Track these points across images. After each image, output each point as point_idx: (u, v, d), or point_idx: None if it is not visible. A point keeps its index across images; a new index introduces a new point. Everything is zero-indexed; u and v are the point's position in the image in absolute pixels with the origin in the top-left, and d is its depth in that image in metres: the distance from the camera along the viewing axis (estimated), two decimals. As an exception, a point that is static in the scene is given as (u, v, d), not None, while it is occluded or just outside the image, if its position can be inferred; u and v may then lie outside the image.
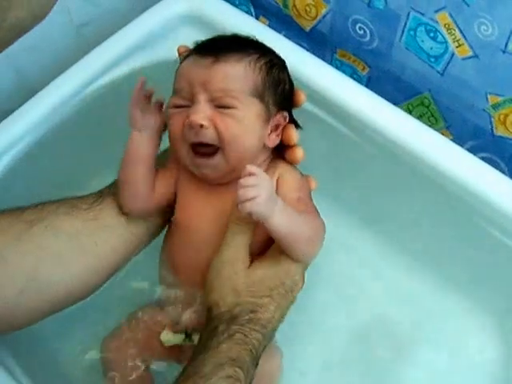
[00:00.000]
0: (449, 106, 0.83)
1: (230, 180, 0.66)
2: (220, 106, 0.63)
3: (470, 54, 0.75)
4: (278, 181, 0.67)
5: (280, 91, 0.67)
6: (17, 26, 0.36)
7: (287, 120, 0.68)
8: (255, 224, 0.64)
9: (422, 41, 0.79)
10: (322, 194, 0.72)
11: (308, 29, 0.95)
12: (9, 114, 0.86)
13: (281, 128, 0.67)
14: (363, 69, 0.91)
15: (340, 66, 0.94)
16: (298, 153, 0.68)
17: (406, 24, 0.80)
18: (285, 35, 0.99)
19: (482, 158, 0.77)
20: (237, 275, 0.63)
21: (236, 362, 0.57)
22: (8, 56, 0.96)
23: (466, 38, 0.75)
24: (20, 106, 0.87)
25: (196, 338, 0.67)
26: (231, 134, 0.62)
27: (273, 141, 0.67)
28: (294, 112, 0.71)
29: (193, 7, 0.92)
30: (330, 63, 0.95)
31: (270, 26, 1.01)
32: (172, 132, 0.66)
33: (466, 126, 0.83)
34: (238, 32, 0.84)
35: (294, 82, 0.80)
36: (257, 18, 1.03)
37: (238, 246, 0.64)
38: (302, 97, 0.70)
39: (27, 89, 1.03)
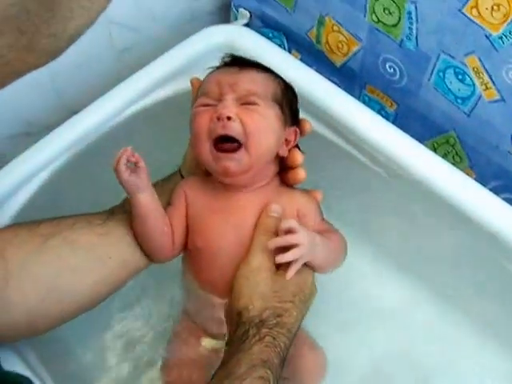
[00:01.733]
0: (473, 146, 0.85)
1: (243, 182, 0.71)
2: (245, 103, 0.69)
3: (497, 97, 0.78)
4: (297, 212, 0.73)
5: (293, 109, 0.74)
6: (75, 35, 0.39)
7: (297, 137, 0.74)
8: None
9: (451, 82, 0.82)
10: (351, 230, 0.76)
11: (339, 64, 0.98)
12: (47, 130, 0.90)
13: (291, 145, 0.73)
14: (391, 105, 0.94)
15: (368, 102, 0.97)
16: (301, 174, 0.74)
17: (435, 65, 0.83)
18: (316, 69, 1.02)
19: (505, 199, 0.79)
20: (265, 281, 0.67)
21: (267, 364, 0.61)
22: (50, 75, 1.01)
23: (493, 82, 0.77)
24: (57, 123, 0.90)
25: None
26: (256, 126, 0.68)
27: (284, 151, 0.73)
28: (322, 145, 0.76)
29: (229, 38, 0.96)
30: (359, 98, 0.98)
31: (301, 59, 1.05)
32: (197, 128, 0.70)
33: (489, 166, 0.85)
34: (271, 63, 0.89)
35: (324, 115, 0.84)
36: (289, 51, 1.06)
37: (264, 255, 0.68)
38: (307, 126, 0.76)
39: (66, 108, 1.07)
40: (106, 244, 0.73)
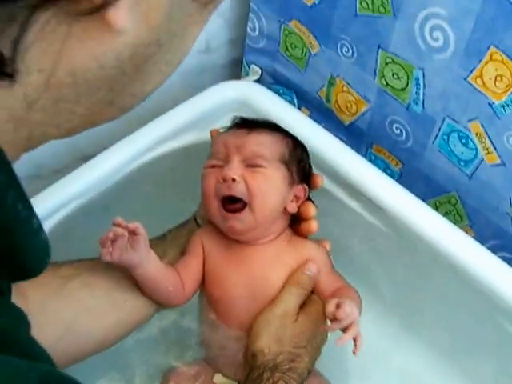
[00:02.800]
0: (474, 207, 0.89)
1: (252, 239, 0.75)
2: (251, 165, 0.73)
3: (498, 161, 0.82)
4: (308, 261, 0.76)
5: (301, 167, 0.78)
6: (147, 95, 0.42)
7: (307, 193, 0.78)
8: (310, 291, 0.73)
9: (454, 145, 0.87)
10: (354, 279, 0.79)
11: (347, 123, 1.03)
12: (56, 174, 0.92)
13: (300, 201, 0.77)
14: (396, 164, 0.99)
15: (374, 160, 1.02)
16: (314, 225, 0.78)
17: (440, 129, 0.87)
18: (324, 127, 1.07)
19: (502, 257, 0.83)
20: (284, 327, 0.70)
21: None
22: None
23: (495, 147, 0.82)
24: (67, 167, 0.93)
25: None
26: (259, 188, 0.72)
27: (292, 208, 0.76)
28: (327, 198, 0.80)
29: (240, 94, 1.00)
30: (365, 156, 1.03)
31: (310, 116, 1.10)
32: (205, 188, 0.74)
33: (488, 226, 0.89)
34: (281, 120, 0.93)
35: (331, 171, 0.88)
36: (299, 108, 1.11)
37: (291, 304, 0.72)
38: (319, 181, 0.81)
39: (76, 153, 1.10)
40: (123, 288, 0.75)
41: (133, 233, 0.67)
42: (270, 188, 0.73)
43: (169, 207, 0.94)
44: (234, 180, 0.71)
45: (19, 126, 0.36)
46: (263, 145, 0.75)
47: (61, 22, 0.32)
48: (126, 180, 0.93)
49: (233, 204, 0.72)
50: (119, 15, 0.32)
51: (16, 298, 0.65)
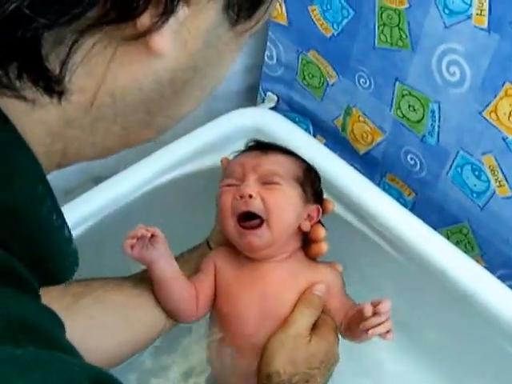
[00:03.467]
0: (485, 237, 0.91)
1: (267, 256, 0.76)
2: (267, 182, 0.75)
3: (510, 194, 0.85)
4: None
5: (315, 189, 0.81)
6: (182, 118, 0.44)
7: (320, 214, 0.80)
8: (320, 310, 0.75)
9: (467, 177, 0.89)
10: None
11: (362, 152, 1.05)
12: (66, 194, 0.94)
13: (314, 221, 0.79)
14: (409, 194, 1.01)
15: (387, 189, 1.04)
16: (323, 247, 0.80)
17: (454, 161, 0.90)
18: (339, 155, 1.09)
19: (510, 286, 0.85)
20: (298, 349, 0.72)
21: None
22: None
23: (507, 180, 0.84)
24: (77, 188, 0.94)
25: None
26: (276, 203, 0.74)
27: (306, 227, 0.78)
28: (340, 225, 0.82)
29: (256, 121, 1.03)
30: (379, 185, 1.05)
31: (326, 144, 1.12)
32: (222, 205, 0.76)
33: (499, 256, 0.90)
34: (297, 147, 0.95)
35: (345, 200, 0.90)
36: (314, 136, 1.14)
37: (304, 325, 0.74)
38: (330, 205, 0.83)
39: (87, 174, 1.12)
40: (135, 306, 0.76)
41: (152, 235, 0.72)
42: (286, 204, 0.75)
43: (182, 230, 0.95)
44: (250, 196, 0.73)
45: (56, 141, 0.38)
46: (279, 164, 0.77)
47: (106, 46, 0.34)
48: (139, 202, 0.95)
49: (249, 221, 0.74)
50: (162, 41, 0.34)
51: None
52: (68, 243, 0.43)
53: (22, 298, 0.37)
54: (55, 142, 0.38)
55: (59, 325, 0.42)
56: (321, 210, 0.80)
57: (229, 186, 0.77)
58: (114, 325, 0.75)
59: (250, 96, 1.28)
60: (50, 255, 0.41)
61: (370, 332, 0.69)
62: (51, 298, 0.71)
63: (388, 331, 0.69)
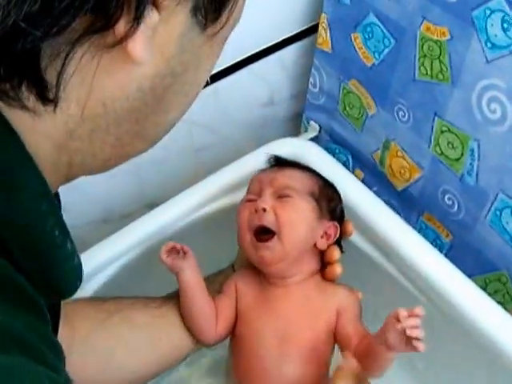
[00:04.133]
0: (525, 289, 0.85)
1: (281, 271, 0.76)
2: (281, 195, 0.76)
3: (551, 244, 0.78)
4: (338, 307, 0.76)
5: (333, 206, 0.81)
6: (170, 125, 0.46)
7: (338, 232, 0.79)
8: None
9: (507, 222, 0.83)
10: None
11: (400, 188, 1.00)
12: (124, 219, 0.95)
13: (331, 239, 0.78)
14: (447, 236, 0.95)
15: (425, 229, 0.98)
16: (337, 269, 0.79)
17: (493, 203, 0.83)
18: (377, 190, 1.04)
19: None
20: None
21: None
22: (134, 166, 1.07)
23: (548, 229, 0.77)
24: (134, 213, 0.95)
25: None
26: (288, 218, 0.74)
27: (322, 245, 0.78)
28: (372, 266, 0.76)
29: (296, 151, 1.00)
30: (416, 223, 0.99)
31: (364, 178, 1.08)
32: (239, 221, 0.78)
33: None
34: (334, 181, 0.92)
35: (377, 239, 0.86)
36: (353, 169, 1.09)
37: None
38: (349, 227, 0.82)
39: (143, 200, 1.13)
40: (159, 326, 0.79)
41: (184, 253, 0.76)
42: (298, 217, 0.76)
43: (220, 260, 0.94)
44: (264, 210, 0.74)
45: (61, 154, 0.41)
46: (294, 178, 0.79)
47: (93, 56, 0.37)
48: (187, 229, 0.95)
49: (264, 235, 0.75)
50: (138, 47, 0.36)
51: (64, 327, 0.68)
52: (70, 259, 0.44)
53: (20, 313, 0.38)
54: (61, 155, 0.41)
55: (54, 348, 0.41)
56: (338, 229, 0.80)
57: (248, 201, 0.79)
58: (139, 344, 0.77)
59: (296, 124, 1.26)
60: (50, 271, 0.42)
61: (407, 332, 0.62)
62: (87, 313, 0.76)
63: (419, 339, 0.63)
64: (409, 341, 0.63)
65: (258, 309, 0.78)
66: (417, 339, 0.62)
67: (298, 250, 0.75)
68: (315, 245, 0.77)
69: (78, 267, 0.45)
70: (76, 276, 0.45)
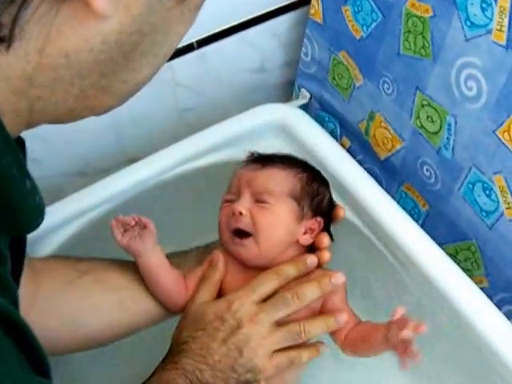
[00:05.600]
0: (491, 257, 0.88)
1: (262, 265, 0.76)
2: (260, 200, 0.75)
3: (518, 217, 0.82)
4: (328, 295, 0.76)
5: (317, 201, 0.79)
6: (140, 84, 0.47)
7: (321, 226, 0.79)
8: None
9: (478, 195, 0.86)
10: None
11: (383, 158, 1.04)
12: (102, 173, 0.98)
13: (315, 233, 0.78)
14: (424, 205, 0.99)
15: (404, 197, 1.02)
16: (325, 256, 0.78)
17: (466, 177, 0.87)
18: (361, 159, 1.08)
19: (510, 311, 0.83)
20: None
21: None
22: (115, 123, 1.10)
23: (516, 203, 0.81)
24: (113, 168, 0.98)
25: None
26: (264, 223, 0.74)
27: (306, 240, 0.77)
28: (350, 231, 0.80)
29: (284, 118, 1.03)
30: (396, 192, 1.03)
31: (351, 147, 1.11)
32: (220, 221, 0.78)
33: (502, 278, 0.88)
34: (316, 149, 0.95)
35: (357, 206, 0.89)
36: (340, 137, 1.13)
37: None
38: (340, 212, 0.82)
39: (123, 155, 1.16)
40: (133, 290, 0.78)
41: (144, 226, 0.74)
42: (274, 224, 0.75)
43: (196, 218, 0.97)
44: (241, 213, 0.74)
45: (21, 99, 0.42)
46: (273, 180, 0.77)
47: (52, 5, 0.38)
48: (162, 186, 0.97)
49: (240, 236, 0.75)
50: (101, 2, 0.38)
51: (29, 281, 0.70)
52: (29, 196, 0.46)
53: None
54: (20, 100, 0.42)
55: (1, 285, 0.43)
56: (322, 222, 0.79)
57: (227, 201, 0.78)
58: (108, 305, 0.77)
59: (287, 91, 1.29)
60: (8, 205, 0.43)
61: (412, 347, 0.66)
62: (58, 271, 0.76)
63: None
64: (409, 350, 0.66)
65: (234, 286, 0.76)
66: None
67: (275, 250, 0.76)
68: (298, 241, 0.77)
69: (39, 206, 0.47)
70: (36, 214, 0.47)
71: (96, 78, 0.43)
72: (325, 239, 0.79)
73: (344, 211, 0.83)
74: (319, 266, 0.79)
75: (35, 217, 0.47)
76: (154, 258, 0.75)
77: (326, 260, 0.79)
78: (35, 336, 0.43)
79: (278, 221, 0.75)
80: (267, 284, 0.73)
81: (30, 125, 0.46)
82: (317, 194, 0.79)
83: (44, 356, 0.45)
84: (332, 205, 0.83)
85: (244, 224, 0.74)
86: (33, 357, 0.43)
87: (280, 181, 0.77)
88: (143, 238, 0.74)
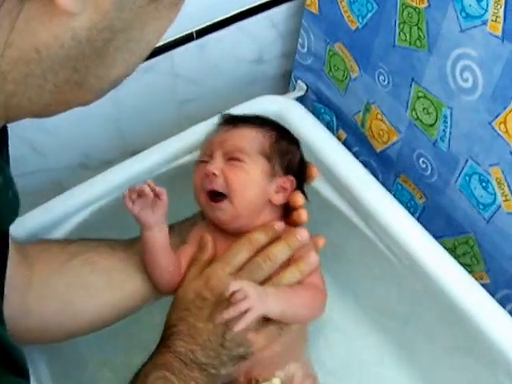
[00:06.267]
0: (490, 252, 0.88)
1: (240, 227, 0.78)
2: (231, 159, 0.77)
3: (515, 210, 0.81)
4: (293, 253, 0.77)
5: (287, 159, 0.81)
6: (115, 81, 0.47)
7: (294, 185, 0.81)
8: None
9: (475, 188, 0.85)
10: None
11: (378, 150, 1.03)
12: (104, 165, 0.97)
13: (288, 192, 0.80)
14: (420, 198, 0.98)
15: (400, 190, 1.01)
16: (303, 214, 0.81)
17: (463, 169, 0.86)
18: (357, 151, 1.07)
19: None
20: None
21: None
22: (116, 115, 1.09)
23: (513, 196, 0.80)
24: (114, 160, 0.97)
25: None
26: (237, 181, 0.76)
27: (278, 199, 0.79)
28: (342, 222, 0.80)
29: (280, 110, 1.01)
30: (392, 184, 1.02)
31: (346, 139, 1.10)
32: (194, 183, 0.80)
33: (503, 274, 0.87)
34: (312, 141, 0.94)
35: (352, 199, 0.88)
36: (337, 129, 1.12)
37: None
38: (313, 171, 0.84)
39: (125, 147, 1.16)
40: (123, 270, 0.79)
41: (157, 197, 0.73)
42: (247, 182, 0.77)
43: (197, 209, 0.97)
44: (214, 174, 0.76)
45: None
46: (244, 139, 0.79)
47: (20, 2, 0.38)
48: (163, 177, 0.96)
49: (215, 197, 0.77)
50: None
51: (22, 267, 0.70)
52: (2, 191, 0.46)
53: None
54: None
55: None
56: (294, 181, 0.81)
57: (200, 163, 0.80)
58: (100, 287, 0.78)
59: (285, 83, 1.28)
60: None
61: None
62: (50, 254, 0.77)
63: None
64: None
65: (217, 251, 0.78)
66: None
67: (251, 209, 0.77)
68: (270, 201, 0.79)
69: (12, 201, 0.47)
70: (7, 210, 0.47)
71: (69, 73, 0.43)
72: (298, 198, 0.81)
73: (316, 170, 0.85)
74: (298, 225, 0.81)
75: (6, 213, 0.47)
76: (161, 235, 0.76)
77: (303, 219, 0.81)
78: (7, 335, 0.43)
79: (251, 179, 0.77)
80: (240, 253, 0.75)
81: (9, 120, 0.46)
82: (287, 153, 0.82)
83: (19, 354, 0.44)
84: (304, 165, 0.84)
85: (218, 185, 0.76)
86: (6, 356, 0.42)
87: (250, 139, 0.79)
88: (154, 209, 0.73)
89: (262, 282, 0.74)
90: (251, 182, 0.77)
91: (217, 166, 0.77)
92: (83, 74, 0.44)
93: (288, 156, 0.81)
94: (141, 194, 0.72)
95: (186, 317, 0.71)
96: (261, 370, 0.76)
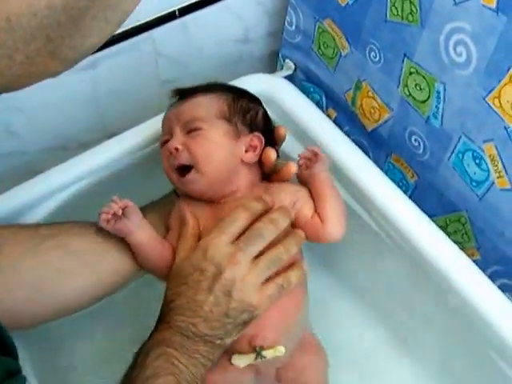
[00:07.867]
0: (482, 229, 0.87)
1: (218, 195, 0.78)
2: (191, 130, 0.77)
3: (508, 186, 0.80)
4: (291, 201, 0.78)
5: (249, 117, 0.81)
6: (89, 51, 0.45)
7: (262, 141, 0.80)
8: None
9: (468, 165, 0.84)
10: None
11: (370, 129, 1.02)
12: (84, 147, 0.95)
13: (258, 150, 0.79)
14: (412, 176, 0.97)
15: (392, 169, 1.00)
16: (292, 167, 0.80)
17: (456, 146, 0.85)
18: (348, 130, 1.06)
19: (503, 284, 0.81)
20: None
21: None
22: (95, 95, 1.07)
23: (506, 172, 0.79)
24: (94, 142, 0.95)
25: (268, 353, 0.75)
26: (200, 150, 0.76)
27: (249, 158, 0.79)
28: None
29: (269, 88, 0.99)
30: (384, 163, 1.01)
31: (337, 118, 1.09)
32: (163, 164, 0.79)
33: (494, 250, 0.86)
34: (302, 119, 0.92)
35: (344, 178, 0.87)
36: (326, 108, 1.10)
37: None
38: (281, 131, 0.84)
39: (105, 129, 1.13)
40: (98, 251, 0.78)
41: (125, 207, 0.75)
42: (210, 147, 0.76)
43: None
44: (177, 149, 0.76)
45: None
46: (198, 107, 0.79)
47: None
48: (145, 158, 0.94)
49: (183, 173, 0.76)
50: None
51: None
52: None
53: None
54: None
55: None
56: (262, 138, 0.80)
57: (163, 143, 0.80)
58: (71, 269, 0.76)
59: (272, 62, 1.26)
60: None
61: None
62: (19, 238, 0.74)
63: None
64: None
65: (207, 229, 0.76)
66: None
67: (222, 173, 0.77)
68: (243, 161, 0.78)
69: None
70: None
71: (42, 43, 0.41)
72: (271, 153, 0.80)
73: (284, 129, 0.84)
74: (287, 179, 0.81)
75: None
76: (144, 235, 0.76)
77: (293, 171, 0.80)
78: None
79: (213, 143, 0.76)
80: (236, 221, 0.73)
81: None
82: (247, 110, 0.81)
83: (6, 335, 0.43)
84: (269, 120, 0.84)
85: (183, 159, 0.76)
86: None
87: (205, 105, 0.79)
88: (128, 216, 0.75)
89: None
90: (215, 147, 0.76)
91: (178, 140, 0.76)
92: (57, 44, 0.42)
93: (249, 113, 0.81)
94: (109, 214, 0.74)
95: (184, 291, 0.70)
96: (265, 336, 0.75)
